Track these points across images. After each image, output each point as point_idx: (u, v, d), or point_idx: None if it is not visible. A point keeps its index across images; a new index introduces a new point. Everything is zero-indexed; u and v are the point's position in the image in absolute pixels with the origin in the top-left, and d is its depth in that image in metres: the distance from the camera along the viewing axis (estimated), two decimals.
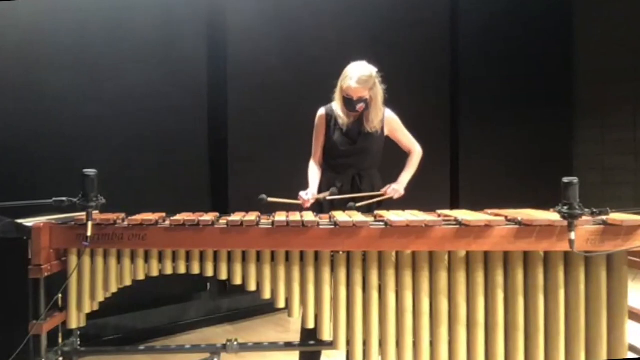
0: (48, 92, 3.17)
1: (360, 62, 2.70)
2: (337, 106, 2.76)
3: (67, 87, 3.23)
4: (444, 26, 5.35)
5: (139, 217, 2.18)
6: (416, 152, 2.94)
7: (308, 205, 2.67)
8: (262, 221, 2.17)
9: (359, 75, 2.63)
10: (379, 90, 2.72)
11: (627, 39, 5.82)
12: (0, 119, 3.02)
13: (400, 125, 2.89)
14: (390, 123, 2.85)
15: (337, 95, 2.74)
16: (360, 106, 2.68)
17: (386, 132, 2.84)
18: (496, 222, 2.04)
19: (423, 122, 5.15)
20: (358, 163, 2.78)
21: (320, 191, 2.76)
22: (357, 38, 4.57)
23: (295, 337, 2.75)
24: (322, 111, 2.80)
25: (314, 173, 2.82)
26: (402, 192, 2.81)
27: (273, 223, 2.13)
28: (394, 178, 2.88)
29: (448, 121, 5.41)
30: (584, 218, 1.98)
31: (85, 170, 2.04)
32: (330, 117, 2.78)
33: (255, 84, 4.01)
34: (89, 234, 2.02)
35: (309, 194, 2.68)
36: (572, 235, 1.93)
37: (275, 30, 4.12)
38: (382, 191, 2.78)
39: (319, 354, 2.75)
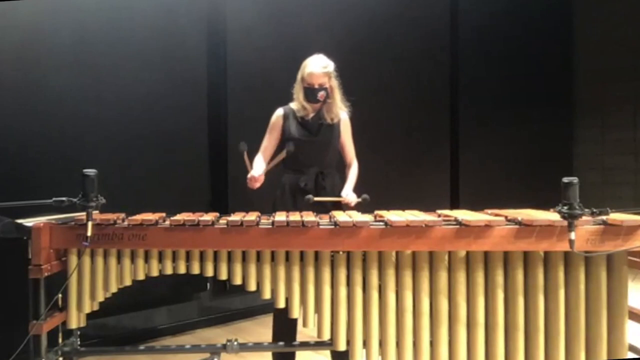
0: (48, 92, 3.18)
1: (318, 54, 2.76)
2: (295, 104, 2.78)
3: (67, 87, 3.23)
4: (444, 26, 5.35)
5: (139, 217, 2.18)
6: (356, 165, 2.91)
7: (258, 184, 2.63)
8: (262, 221, 2.17)
9: (319, 62, 2.71)
10: (337, 84, 2.77)
11: (627, 39, 5.83)
12: (0, 119, 3.02)
13: (350, 131, 2.89)
14: (346, 124, 2.86)
15: (297, 89, 2.77)
16: (321, 94, 2.70)
17: (341, 132, 2.83)
18: (496, 222, 2.04)
19: (423, 122, 5.19)
20: (319, 159, 2.76)
21: (283, 193, 2.72)
22: (357, 38, 4.57)
23: (297, 337, 2.75)
24: (280, 111, 2.80)
25: (259, 161, 2.77)
26: (355, 199, 2.73)
27: (273, 223, 2.13)
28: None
29: (448, 121, 5.41)
30: (584, 218, 1.97)
31: (85, 170, 2.04)
32: (287, 117, 2.77)
33: (255, 84, 4.02)
34: (89, 234, 2.02)
35: (258, 172, 2.62)
36: (572, 235, 1.93)
37: (275, 30, 4.12)
38: (343, 198, 2.71)
39: (293, 354, 2.76)
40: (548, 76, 6.00)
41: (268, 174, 2.70)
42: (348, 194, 2.73)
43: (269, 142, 2.82)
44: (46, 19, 3.18)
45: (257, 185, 2.65)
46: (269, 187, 2.77)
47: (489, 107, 5.56)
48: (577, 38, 6.25)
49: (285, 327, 2.65)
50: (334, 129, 2.79)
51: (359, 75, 4.63)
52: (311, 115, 2.76)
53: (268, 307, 3.80)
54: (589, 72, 6.19)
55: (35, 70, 3.14)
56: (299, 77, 2.76)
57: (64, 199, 2.02)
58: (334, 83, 2.76)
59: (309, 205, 2.58)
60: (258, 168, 2.69)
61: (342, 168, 2.90)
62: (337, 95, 2.79)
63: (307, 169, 2.74)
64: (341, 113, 2.83)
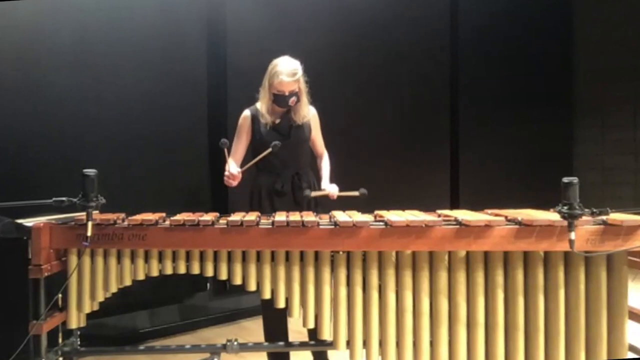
0: (48, 92, 3.18)
1: (284, 56, 2.71)
2: (262, 106, 2.74)
3: (67, 87, 3.23)
4: (444, 26, 5.35)
5: (139, 217, 2.18)
6: (327, 156, 2.93)
7: (235, 182, 2.62)
8: (262, 221, 2.17)
9: (289, 69, 2.64)
10: (304, 85, 2.74)
11: (627, 39, 5.82)
12: (0, 119, 3.02)
13: (319, 124, 2.89)
14: (315, 118, 2.86)
15: (264, 94, 2.72)
16: (292, 100, 2.68)
17: (312, 127, 2.83)
18: (496, 222, 2.04)
19: (423, 122, 5.19)
20: (294, 160, 2.75)
21: (260, 197, 2.71)
22: (357, 38, 4.57)
23: (296, 337, 2.75)
24: (247, 112, 2.78)
25: (233, 165, 2.73)
26: (336, 190, 2.76)
27: (273, 223, 2.13)
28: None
29: (448, 121, 5.41)
30: (584, 218, 1.97)
31: (85, 170, 2.04)
32: (255, 118, 2.75)
33: (255, 84, 4.00)
34: (89, 234, 2.02)
35: (235, 169, 2.61)
36: (572, 235, 1.93)
37: (274, 31, 4.11)
38: (327, 191, 2.74)
39: (287, 353, 2.76)
40: (548, 76, 5.99)
41: (245, 173, 2.71)
42: (331, 189, 2.74)
43: (238, 146, 2.79)
44: (46, 19, 3.18)
45: (235, 183, 2.63)
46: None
47: (489, 107, 5.56)
48: (577, 38, 6.24)
49: (276, 325, 2.66)
50: (305, 128, 2.78)
51: (359, 75, 4.64)
52: (278, 119, 2.74)
53: None
54: (589, 72, 6.18)
55: (35, 70, 3.14)
56: (266, 82, 2.70)
57: (64, 199, 2.02)
58: (303, 86, 2.73)
59: (290, 204, 2.62)
60: (235, 166, 2.67)
61: (313, 161, 2.92)
62: (305, 97, 2.76)
63: (282, 171, 2.72)
64: (311, 108, 2.82)
